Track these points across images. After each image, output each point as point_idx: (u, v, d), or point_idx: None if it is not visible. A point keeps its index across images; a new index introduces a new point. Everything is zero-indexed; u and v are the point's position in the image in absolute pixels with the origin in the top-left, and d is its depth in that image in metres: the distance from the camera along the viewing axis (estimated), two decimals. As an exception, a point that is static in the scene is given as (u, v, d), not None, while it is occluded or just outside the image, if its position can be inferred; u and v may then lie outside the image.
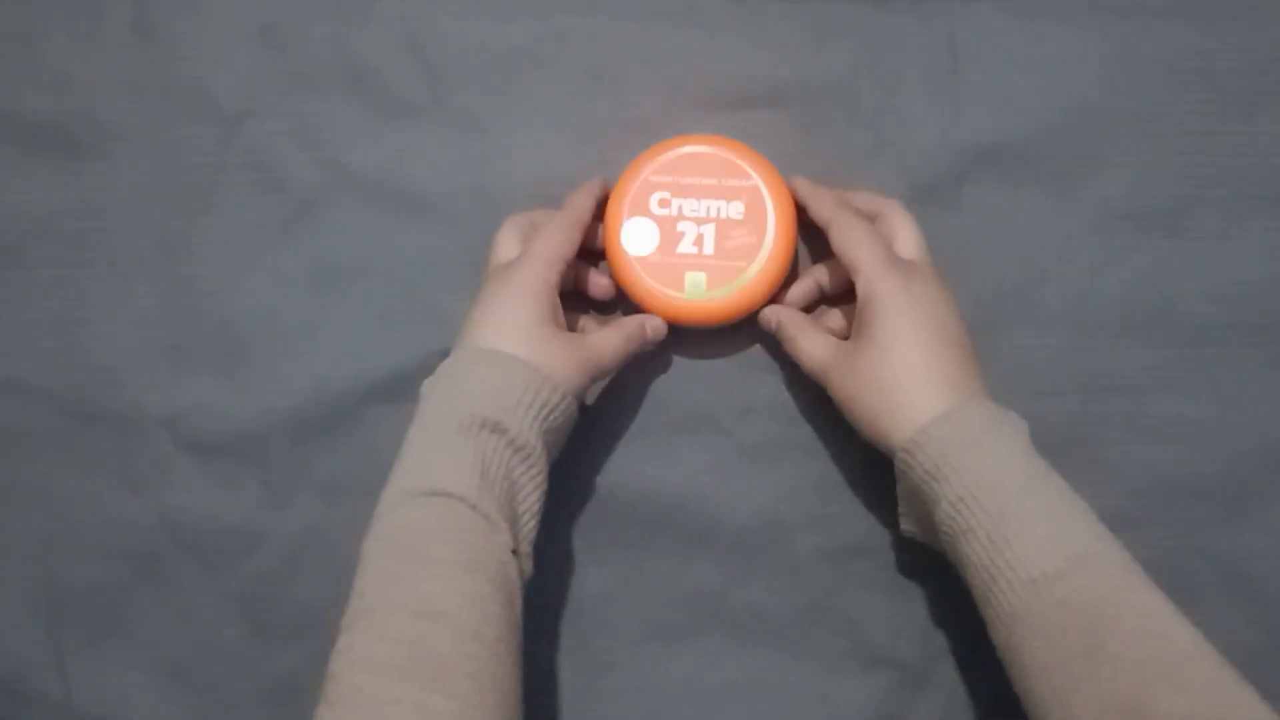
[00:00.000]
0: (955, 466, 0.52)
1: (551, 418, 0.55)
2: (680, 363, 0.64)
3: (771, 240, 0.60)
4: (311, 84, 0.65)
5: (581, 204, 0.61)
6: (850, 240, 0.57)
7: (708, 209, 0.60)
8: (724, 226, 0.60)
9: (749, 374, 0.64)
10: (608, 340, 0.59)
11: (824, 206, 0.59)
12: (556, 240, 0.58)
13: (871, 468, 0.61)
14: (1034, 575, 0.48)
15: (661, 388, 0.64)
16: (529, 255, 0.58)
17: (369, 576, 0.49)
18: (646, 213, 0.61)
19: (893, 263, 0.56)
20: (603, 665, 0.63)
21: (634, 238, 0.60)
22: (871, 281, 0.55)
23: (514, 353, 0.55)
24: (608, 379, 0.62)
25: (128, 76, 0.66)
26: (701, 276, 0.60)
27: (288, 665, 0.65)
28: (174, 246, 0.65)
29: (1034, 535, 0.50)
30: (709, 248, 0.60)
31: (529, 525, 0.54)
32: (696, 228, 0.60)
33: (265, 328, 0.65)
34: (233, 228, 0.65)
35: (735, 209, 0.60)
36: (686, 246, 0.60)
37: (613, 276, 0.62)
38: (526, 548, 0.53)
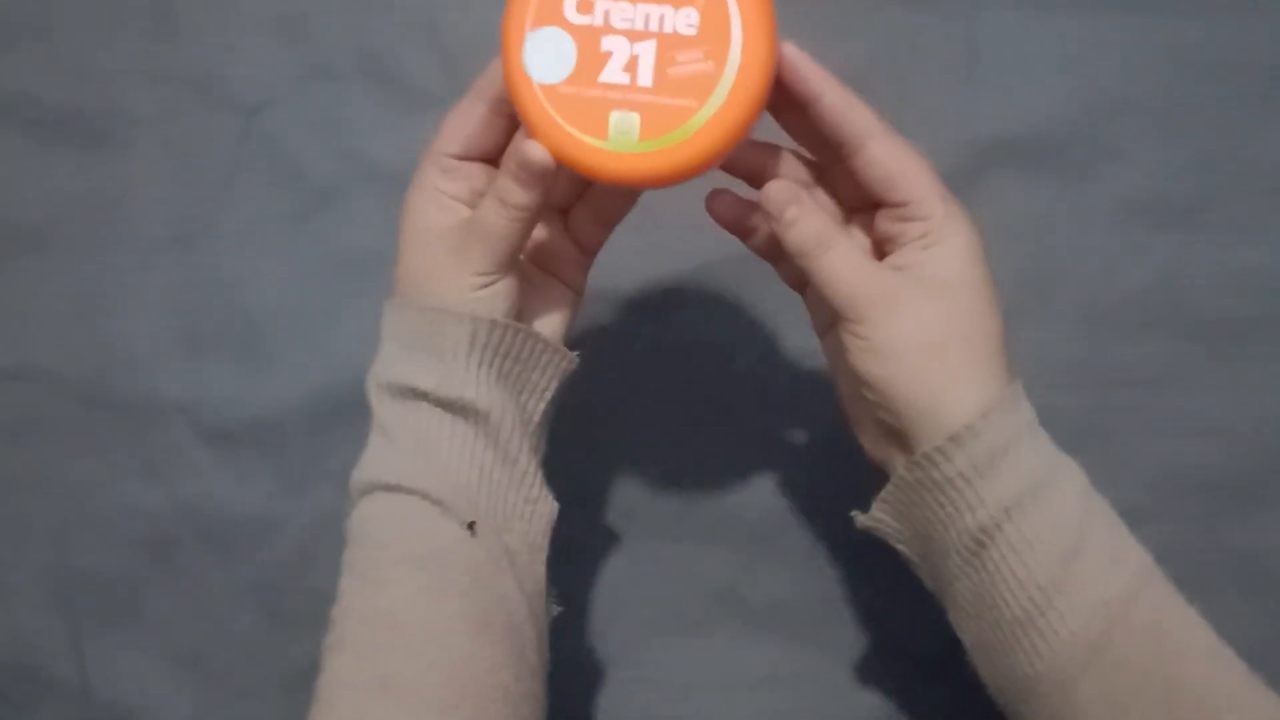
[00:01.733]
0: (1014, 463, 0.43)
1: (483, 352, 0.46)
2: (699, 354, 0.64)
3: (735, 69, 0.42)
4: (329, 74, 0.65)
5: (494, 66, 0.46)
6: (908, 163, 0.45)
7: (646, 18, 0.42)
8: (668, 45, 0.42)
9: (769, 364, 0.64)
10: (484, 214, 0.45)
11: (863, 113, 0.45)
12: (443, 130, 0.48)
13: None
14: (1105, 597, 0.42)
15: (679, 379, 0.64)
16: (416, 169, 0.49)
17: (340, 583, 0.46)
18: (559, 21, 0.43)
19: (957, 204, 0.45)
20: (619, 655, 0.63)
21: (539, 57, 0.43)
22: (947, 219, 0.44)
23: (416, 293, 0.47)
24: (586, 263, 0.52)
25: (146, 66, 0.66)
26: (634, 119, 0.43)
27: (302, 653, 0.65)
28: (192, 235, 0.66)
29: (1105, 547, 0.43)
30: (645, 77, 0.42)
31: (514, 485, 0.48)
32: (629, 46, 0.43)
33: (283, 316, 0.65)
34: (251, 217, 0.65)
35: (686, 19, 0.42)
36: (614, 74, 0.43)
37: (516, 115, 0.45)
38: (528, 501, 0.48)
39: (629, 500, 0.64)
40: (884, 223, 0.46)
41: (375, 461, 0.47)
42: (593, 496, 0.64)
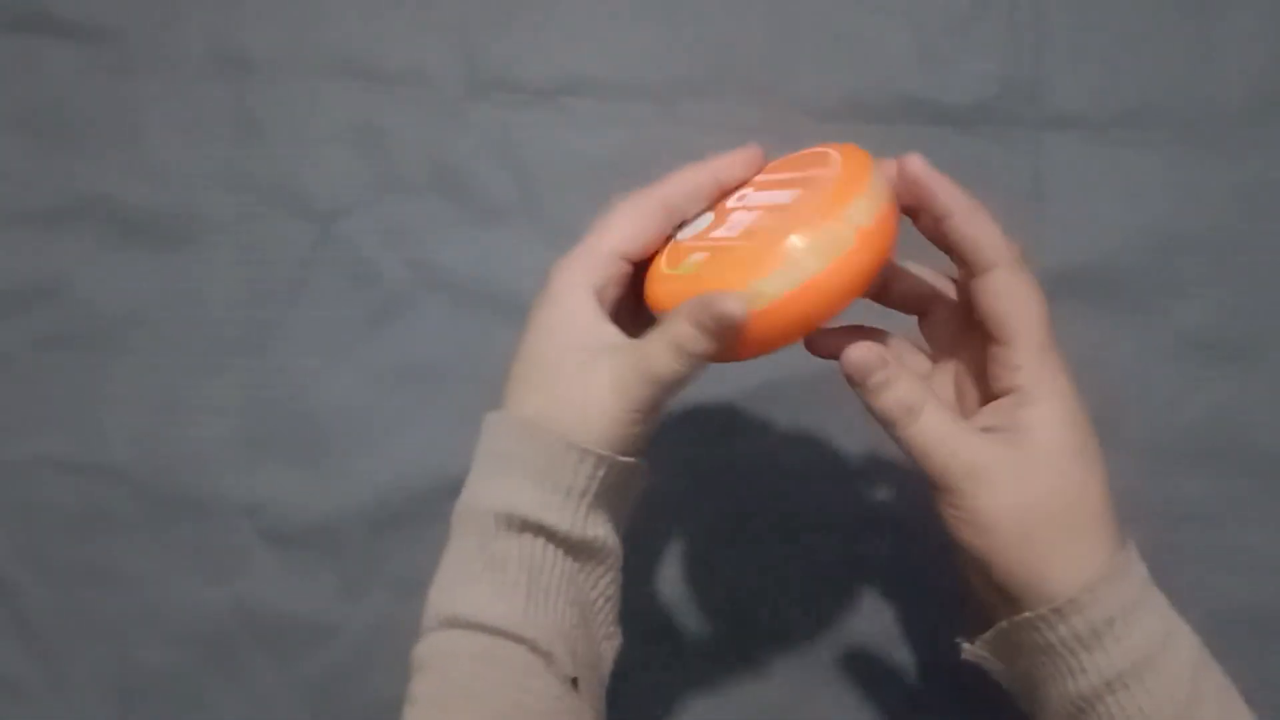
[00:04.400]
0: (1119, 636, 0.41)
1: (596, 491, 0.44)
2: (761, 473, 0.65)
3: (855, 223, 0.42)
4: (404, 185, 0.67)
5: (684, 178, 0.46)
6: (1020, 303, 0.43)
7: (764, 199, 0.45)
8: (768, 214, 0.44)
9: (823, 487, 0.64)
10: (657, 357, 0.43)
11: (990, 240, 0.44)
12: (610, 227, 0.46)
13: (941, 588, 0.61)
14: None
15: (740, 498, 0.64)
16: (569, 256, 0.46)
17: (408, 714, 0.43)
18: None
19: (1057, 357, 0.44)
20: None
21: (688, 226, 0.47)
22: (1043, 374, 0.43)
23: (543, 409, 0.44)
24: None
25: (226, 172, 0.68)
26: (702, 257, 0.43)
27: (353, 756, 0.65)
28: (262, 339, 0.67)
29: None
30: (732, 230, 0.44)
31: (601, 623, 0.46)
32: (748, 215, 0.44)
33: (348, 422, 0.66)
34: (320, 323, 0.67)
35: (786, 195, 0.44)
36: (726, 231, 0.44)
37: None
38: (607, 637, 0.47)
39: (684, 618, 0.64)
40: (987, 358, 0.45)
41: (478, 596, 0.44)
42: (648, 612, 0.64)
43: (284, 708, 0.65)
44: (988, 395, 0.46)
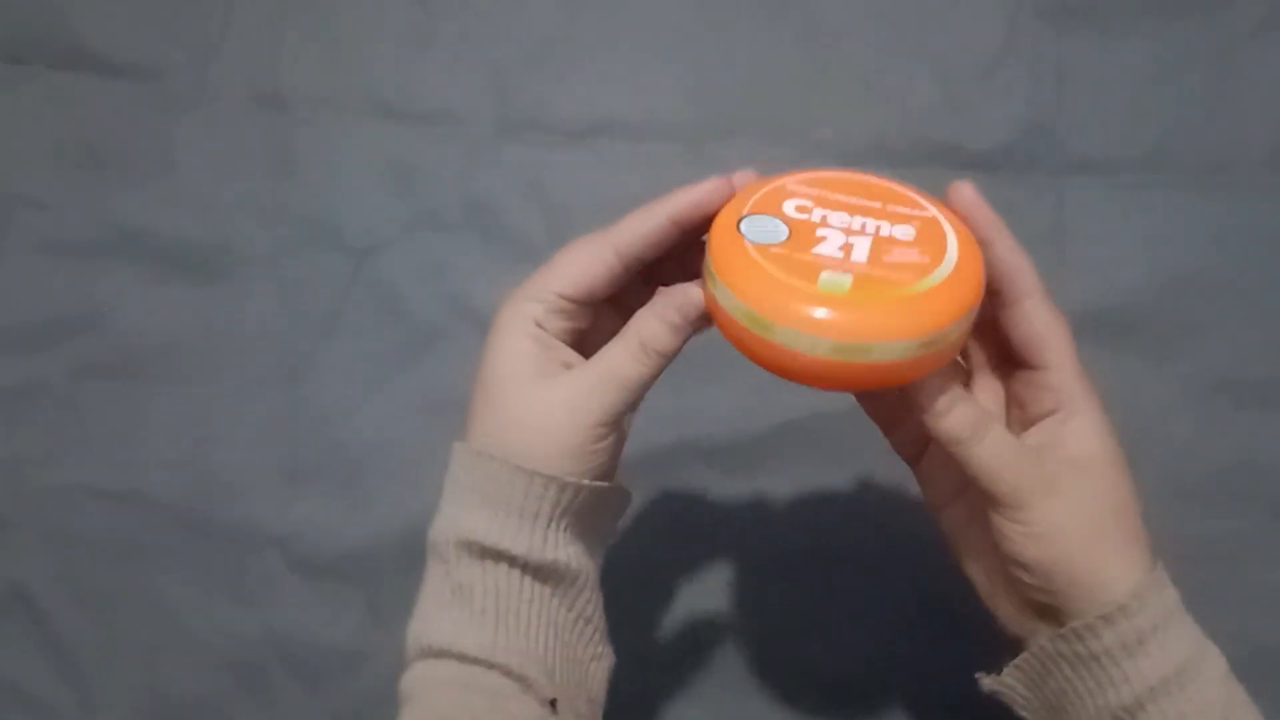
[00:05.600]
0: (1162, 644, 0.43)
1: (576, 513, 0.44)
2: (775, 505, 0.66)
3: (954, 262, 0.41)
4: (436, 221, 0.69)
5: (638, 220, 0.44)
6: (1054, 330, 0.45)
7: (863, 225, 0.43)
8: (883, 243, 0.42)
9: (846, 520, 0.65)
10: (620, 361, 0.44)
11: (1027, 270, 0.44)
12: (558, 269, 0.45)
13: (965, 619, 0.62)
14: None
15: (762, 532, 0.65)
16: (518, 290, 0.45)
17: None
18: (775, 213, 0.43)
19: (1090, 380, 0.45)
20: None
21: (752, 229, 0.42)
22: (1081, 394, 0.44)
23: (496, 437, 0.44)
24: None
25: (262, 207, 0.69)
26: (846, 278, 0.40)
27: (378, 783, 0.66)
28: (296, 370, 0.68)
29: None
30: (860, 256, 0.41)
31: (586, 644, 0.46)
32: (844, 237, 0.42)
33: (379, 453, 0.67)
34: (354, 355, 0.68)
35: (903, 231, 0.43)
36: (829, 250, 0.42)
37: (709, 275, 0.42)
38: (594, 658, 0.47)
39: (706, 652, 0.65)
40: (1018, 385, 0.46)
41: (450, 625, 0.44)
42: (670, 647, 0.65)
43: (313, 735, 0.66)
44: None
